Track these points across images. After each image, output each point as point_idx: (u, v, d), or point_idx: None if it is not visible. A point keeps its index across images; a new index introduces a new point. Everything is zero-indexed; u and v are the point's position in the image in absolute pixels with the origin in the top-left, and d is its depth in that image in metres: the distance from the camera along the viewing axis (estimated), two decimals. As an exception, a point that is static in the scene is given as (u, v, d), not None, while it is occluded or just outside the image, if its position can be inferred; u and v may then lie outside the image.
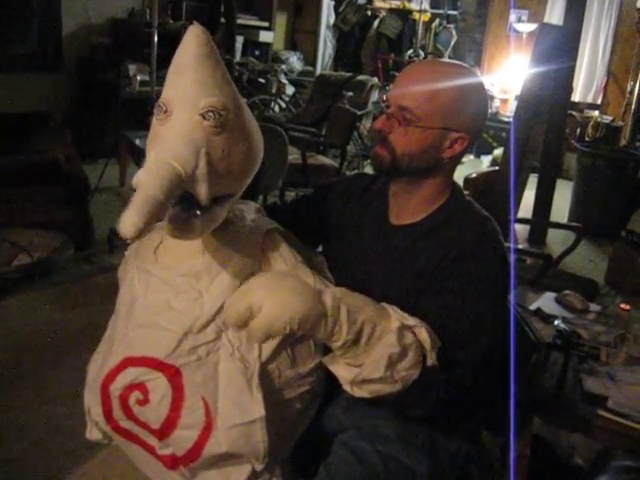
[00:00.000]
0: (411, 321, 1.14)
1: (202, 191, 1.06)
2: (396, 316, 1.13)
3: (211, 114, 1.07)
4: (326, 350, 1.21)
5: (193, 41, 1.09)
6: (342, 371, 1.15)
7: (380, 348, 1.09)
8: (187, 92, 1.08)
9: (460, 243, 1.28)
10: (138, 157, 4.69)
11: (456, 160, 1.35)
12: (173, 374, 1.18)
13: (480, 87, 1.32)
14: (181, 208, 1.09)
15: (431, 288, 1.28)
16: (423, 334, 1.14)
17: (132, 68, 5.88)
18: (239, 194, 1.24)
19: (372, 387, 1.13)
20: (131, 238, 0.93)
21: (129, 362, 1.21)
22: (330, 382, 1.35)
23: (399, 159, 1.30)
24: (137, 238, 0.94)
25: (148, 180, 0.99)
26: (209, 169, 1.07)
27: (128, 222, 0.93)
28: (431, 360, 1.14)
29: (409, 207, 1.38)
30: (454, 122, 1.28)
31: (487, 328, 1.26)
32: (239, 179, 1.19)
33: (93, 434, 1.35)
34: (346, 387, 1.16)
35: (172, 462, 1.23)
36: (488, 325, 1.26)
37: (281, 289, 1.05)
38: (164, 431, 1.20)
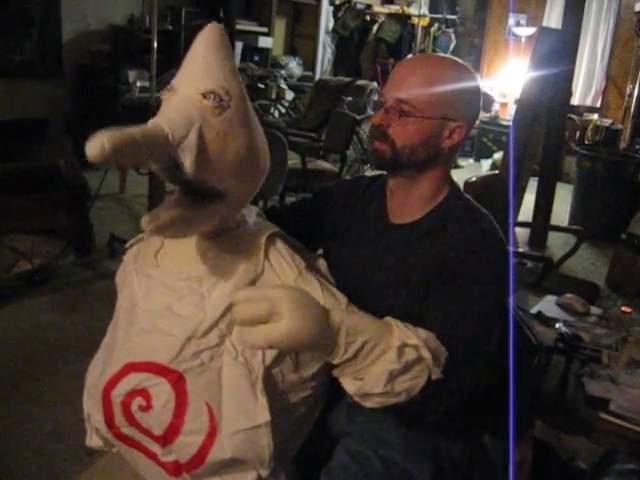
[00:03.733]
0: (414, 340, 1.12)
1: (188, 160, 1.06)
2: (399, 334, 1.12)
3: (211, 95, 1.10)
4: None
5: (207, 33, 1.16)
6: (348, 383, 1.14)
7: (380, 364, 1.09)
8: (193, 74, 1.13)
9: (462, 243, 1.28)
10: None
11: (454, 151, 1.36)
12: (176, 379, 1.17)
13: (472, 76, 1.33)
14: (181, 194, 1.12)
15: (435, 291, 1.27)
16: (425, 353, 1.12)
17: (132, 74, 5.89)
18: (237, 199, 1.22)
19: (376, 399, 1.13)
20: (94, 159, 0.91)
21: (131, 368, 1.20)
22: (333, 387, 1.34)
23: (400, 152, 1.30)
24: (102, 162, 0.92)
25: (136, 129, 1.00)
26: (200, 144, 1.07)
27: (97, 141, 0.91)
28: (435, 376, 1.13)
29: (408, 205, 1.38)
30: (452, 111, 1.29)
31: (494, 327, 1.26)
32: (235, 175, 1.17)
33: (93, 441, 1.34)
34: (355, 398, 1.16)
35: (175, 469, 1.22)
36: (495, 324, 1.26)
37: (307, 311, 1.03)
38: (167, 437, 1.19)
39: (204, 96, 1.10)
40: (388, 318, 1.16)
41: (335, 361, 1.09)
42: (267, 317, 1.00)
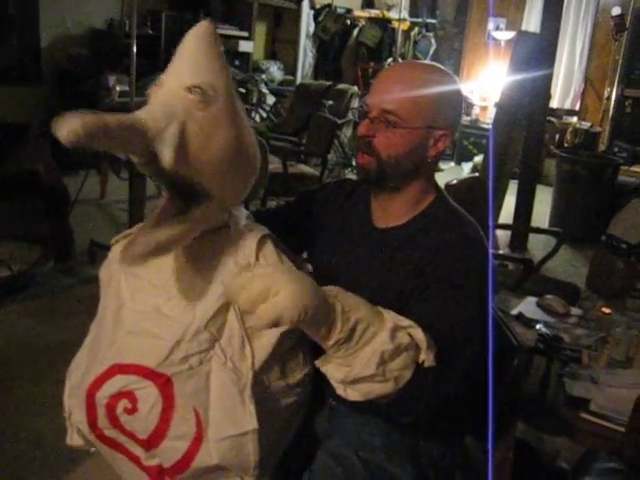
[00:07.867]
0: (405, 322, 1.12)
1: (166, 153, 1.05)
2: (390, 317, 1.12)
3: (197, 89, 1.10)
4: (316, 357, 1.20)
5: (198, 30, 1.16)
6: (334, 371, 1.13)
7: (372, 345, 1.08)
8: (180, 69, 1.13)
9: (445, 248, 1.27)
10: (118, 168, 4.67)
11: (439, 158, 1.35)
12: (164, 383, 1.16)
13: (453, 81, 1.33)
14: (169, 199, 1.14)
15: (418, 294, 1.27)
16: (419, 334, 1.12)
17: (111, 79, 5.86)
18: (224, 199, 1.21)
19: (364, 387, 1.11)
20: (67, 144, 0.90)
21: (117, 369, 1.18)
22: (315, 392, 1.34)
23: (385, 162, 1.29)
24: (73, 144, 0.91)
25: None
26: (182, 138, 1.07)
27: (70, 125, 0.90)
28: (428, 362, 1.13)
29: (393, 209, 1.37)
30: (437, 120, 1.28)
31: (475, 333, 1.25)
32: (220, 173, 1.16)
33: (74, 440, 1.30)
34: (339, 390, 1.14)
35: (158, 473, 1.20)
36: (476, 330, 1.26)
37: (300, 279, 1.03)
38: (152, 441, 1.18)
39: (189, 90, 1.09)
40: (377, 307, 1.16)
41: (330, 341, 1.08)
42: (264, 297, 0.99)
